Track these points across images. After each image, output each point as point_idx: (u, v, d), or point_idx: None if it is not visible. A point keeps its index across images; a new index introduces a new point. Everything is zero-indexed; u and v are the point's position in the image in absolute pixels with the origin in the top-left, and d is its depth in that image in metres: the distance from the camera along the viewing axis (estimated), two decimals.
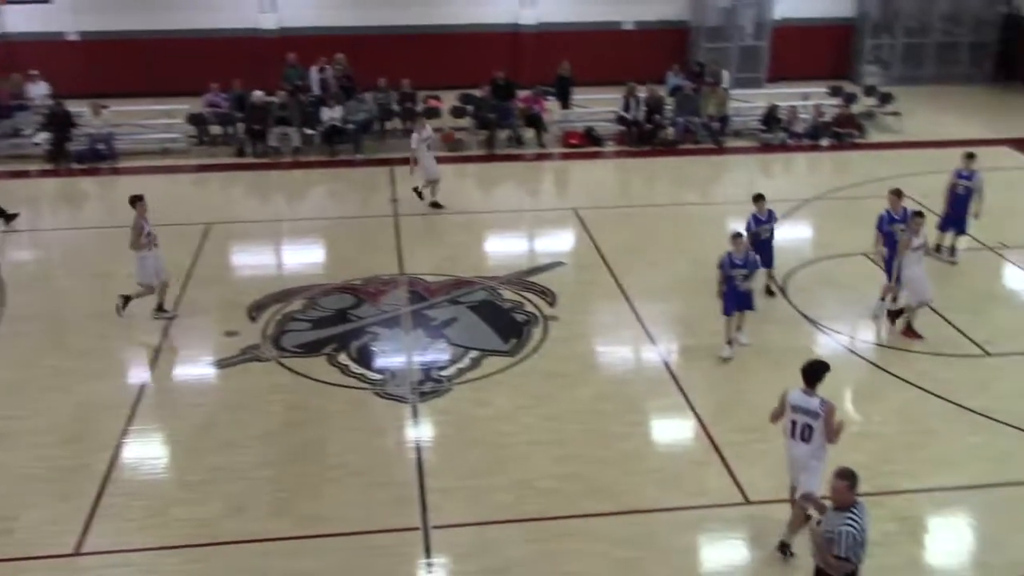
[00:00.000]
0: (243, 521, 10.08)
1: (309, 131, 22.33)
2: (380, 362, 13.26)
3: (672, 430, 11.89)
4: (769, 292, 15.09)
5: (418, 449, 11.34)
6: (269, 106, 22.21)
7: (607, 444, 11.40)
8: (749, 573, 9.47)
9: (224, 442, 11.42)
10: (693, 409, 12.11)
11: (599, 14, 27.09)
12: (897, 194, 14.37)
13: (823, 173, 21.76)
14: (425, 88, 24.19)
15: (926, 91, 27.55)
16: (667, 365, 13.22)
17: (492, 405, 12.22)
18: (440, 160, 20.24)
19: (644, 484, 10.69)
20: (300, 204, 20.03)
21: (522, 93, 23.32)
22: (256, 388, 12.60)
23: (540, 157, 22.51)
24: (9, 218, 17.94)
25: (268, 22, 26.32)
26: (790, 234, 17.73)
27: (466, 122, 23.15)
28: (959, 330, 13.80)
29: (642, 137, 22.93)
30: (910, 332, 13.76)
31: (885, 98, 25.09)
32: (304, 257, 17.03)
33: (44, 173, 21.27)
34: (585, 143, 23.05)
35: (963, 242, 16.82)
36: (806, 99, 24.47)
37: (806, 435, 9.12)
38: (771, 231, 14.85)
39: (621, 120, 23.12)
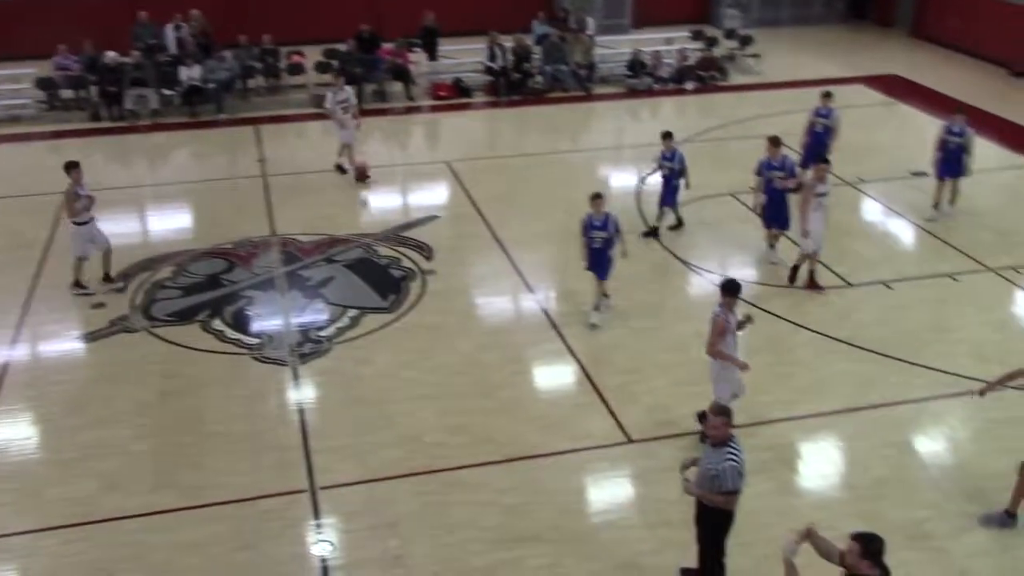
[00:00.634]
0: (122, 497, 9.81)
1: (167, 92, 21.55)
2: (256, 326, 13.01)
3: (554, 376, 12.05)
4: (654, 231, 15.53)
5: (301, 411, 11.21)
6: (123, 67, 21.28)
7: (491, 394, 11.49)
8: (635, 509, 9.73)
9: (97, 418, 11.05)
10: (573, 354, 12.30)
11: None
12: (774, 142, 14.33)
13: (689, 116, 22.21)
14: (287, 44, 23.57)
15: (784, 32, 28.38)
16: (546, 313, 13.36)
17: (374, 363, 12.16)
18: (306, 117, 19.87)
19: (529, 431, 10.84)
20: (163, 168, 19.36)
21: (387, 46, 22.98)
22: (127, 360, 12.21)
23: (409, 110, 22.29)
24: None
25: None
26: (659, 178, 18.06)
27: (331, 77, 22.65)
28: (822, 263, 14.35)
29: (511, 87, 22.92)
30: (813, 284, 13.74)
31: (745, 40, 25.71)
32: (170, 223, 16.49)
33: None
34: (454, 95, 22.93)
35: None
36: (670, 44, 24.85)
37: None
38: (672, 169, 15.24)
39: (489, 70, 23.03)
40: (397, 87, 22.67)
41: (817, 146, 16.79)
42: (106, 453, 10.43)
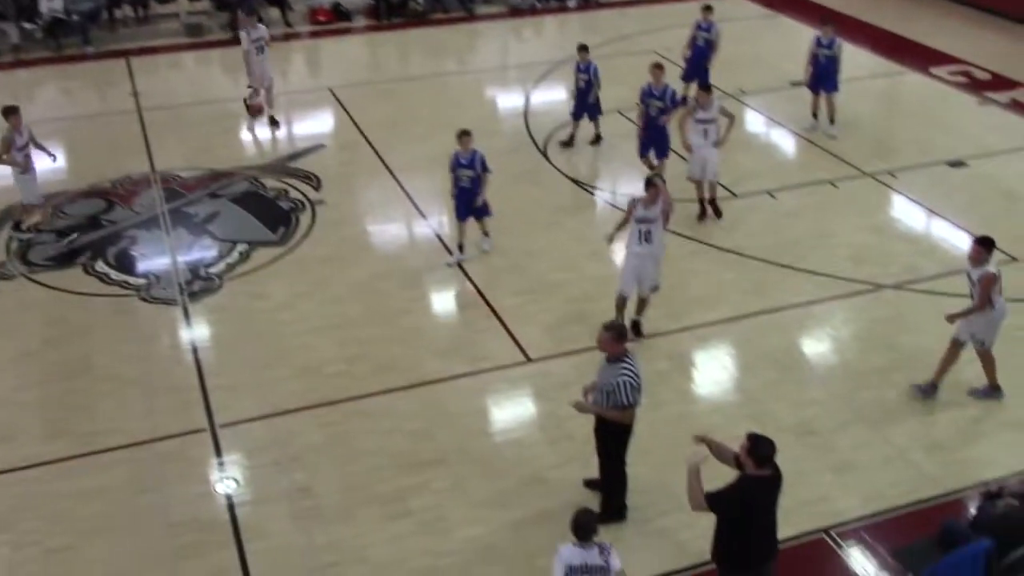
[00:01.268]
0: (12, 448, 9.53)
1: (28, 25, 20.39)
2: (142, 266, 12.63)
3: (451, 300, 12.08)
4: (569, 143, 15.84)
5: (195, 350, 11.00)
6: None
7: (389, 322, 11.46)
8: (536, 427, 9.90)
9: None
10: (469, 278, 12.32)
11: None
12: (658, 68, 14.14)
13: (572, 34, 22.05)
14: None
15: None
16: (440, 238, 13.32)
17: (268, 296, 11.97)
18: (179, 48, 19.08)
19: (429, 356, 10.87)
20: (28, 106, 18.20)
21: None
22: (5, 308, 11.75)
23: (288, 37, 21.60)
24: None
25: None
26: (546, 96, 18.07)
27: (205, 5, 21.82)
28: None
29: (392, 9, 22.43)
30: (713, 207, 13.61)
31: None
32: (42, 163, 15.72)
33: None
34: (334, 19, 22.33)
35: None
36: None
37: (649, 238, 10.73)
38: (587, 81, 15.35)
39: None
40: (274, 13, 21.92)
41: (699, 59, 16.97)
42: None
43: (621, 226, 11.00)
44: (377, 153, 15.65)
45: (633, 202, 10.91)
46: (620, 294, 10.93)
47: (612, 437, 8.28)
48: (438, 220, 13.80)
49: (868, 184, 14.77)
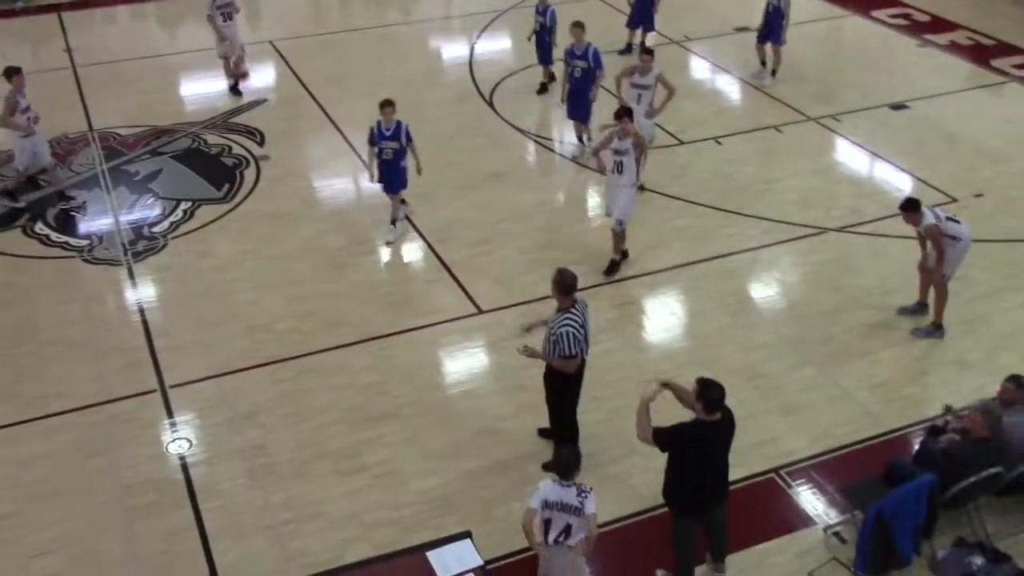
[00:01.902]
0: None
1: None
2: (84, 227, 12.38)
3: (400, 254, 12.00)
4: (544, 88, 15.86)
5: (141, 311, 10.84)
6: None
7: (338, 277, 11.38)
8: (490, 378, 9.94)
9: None
10: (418, 231, 12.26)
11: None
12: (577, 26, 13.54)
13: None
14: None
15: None
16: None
17: (214, 255, 11.82)
18: (112, 2, 18.52)
19: (380, 310, 10.83)
20: None
21: None
22: None
23: None
24: None
25: None
26: (491, 46, 17.91)
27: None
28: (656, 123, 14.63)
29: None
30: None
31: None
32: None
33: None
34: None
35: (651, 38, 17.64)
36: None
37: (620, 169, 10.97)
38: (542, 24, 15.30)
39: None
40: None
41: (645, 6, 16.92)
42: None
43: (599, 149, 11.52)
44: (321, 107, 15.43)
45: (610, 133, 11.27)
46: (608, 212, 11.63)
47: (561, 385, 8.33)
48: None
49: (812, 128, 14.89)
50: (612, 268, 11.38)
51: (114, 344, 10.32)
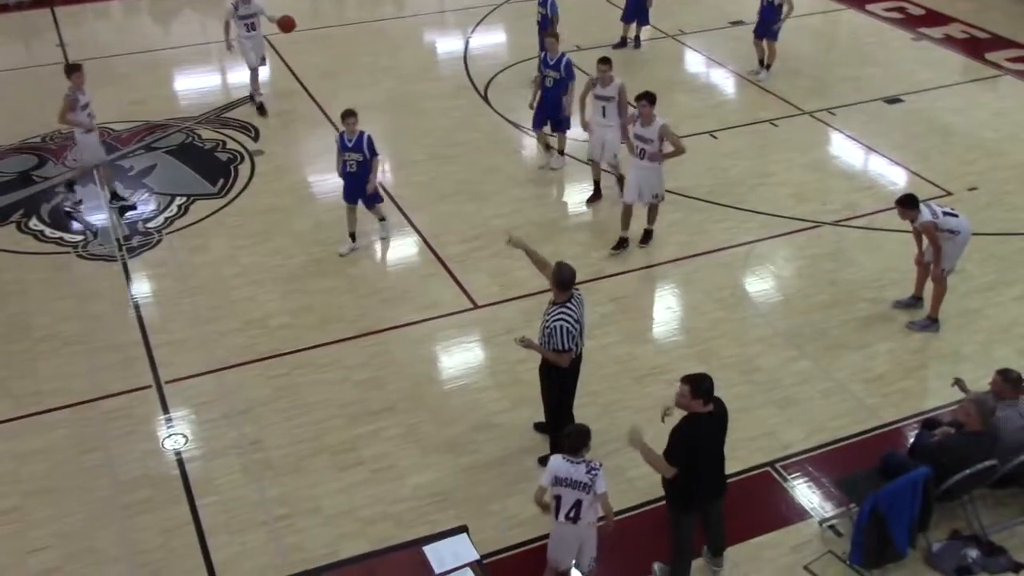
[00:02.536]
0: None
1: None
2: (78, 222, 12.35)
3: (397, 249, 11.99)
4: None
5: (136, 306, 10.83)
6: None
7: (334, 272, 11.37)
8: (486, 372, 9.93)
9: None
10: (413, 226, 12.25)
11: None
12: (552, 36, 13.12)
13: None
14: None
15: None
16: (382, 185, 13.16)
17: (209, 250, 11.80)
18: None
19: (376, 305, 10.83)
20: None
21: None
22: None
23: None
24: None
25: None
26: (486, 40, 17.89)
27: None
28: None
29: None
30: (596, 195, 12.83)
31: None
32: None
33: None
34: None
35: (646, 32, 17.65)
36: None
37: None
38: (544, 15, 15.39)
39: None
40: None
41: (639, 0, 16.90)
42: None
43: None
44: (315, 101, 15.40)
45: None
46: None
47: (556, 379, 8.33)
48: (381, 169, 13.62)
49: (807, 122, 14.90)
50: (646, 237, 11.83)
51: (109, 340, 10.30)
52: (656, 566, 7.63)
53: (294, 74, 16.39)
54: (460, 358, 10.17)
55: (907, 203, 9.89)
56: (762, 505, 8.38)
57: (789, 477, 8.63)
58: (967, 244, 10.18)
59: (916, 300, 10.66)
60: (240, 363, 9.97)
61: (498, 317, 10.56)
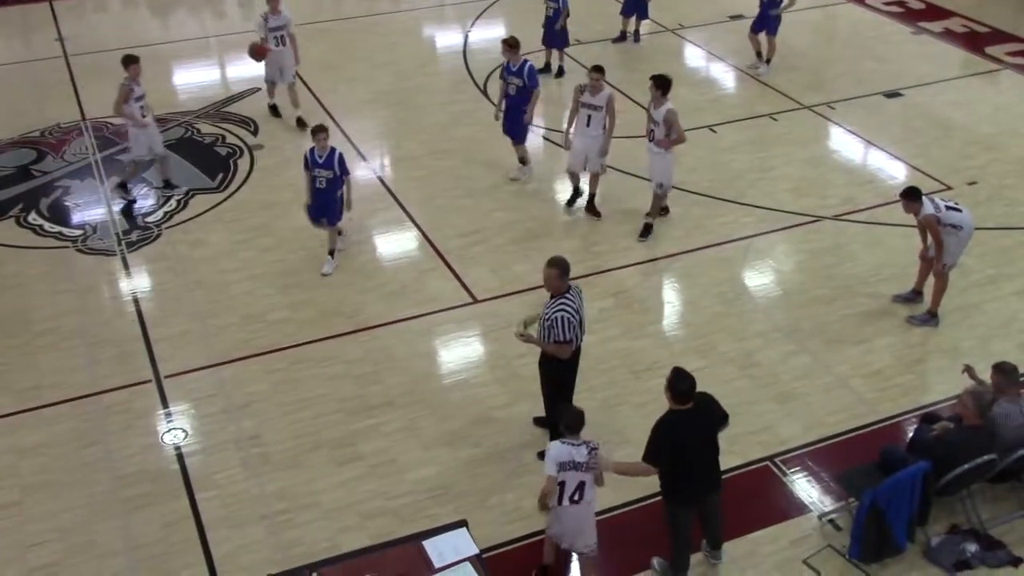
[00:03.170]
0: None
1: None
2: (77, 216, 12.35)
3: (396, 243, 11.99)
4: (553, 70, 15.91)
5: (136, 301, 10.82)
6: None
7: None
8: (485, 367, 9.94)
9: None
10: (413, 220, 12.24)
11: None
12: (508, 43, 12.49)
13: None
14: None
15: None
16: (381, 180, 13.20)
17: (208, 244, 11.79)
18: None
19: (375, 300, 10.83)
20: None
21: None
22: None
23: None
24: None
25: None
26: (485, 34, 17.86)
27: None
28: (646, 109, 14.59)
29: None
30: (591, 206, 12.33)
31: None
32: None
33: None
34: None
35: (646, 26, 17.63)
36: None
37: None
38: (556, 10, 15.42)
39: None
40: None
41: None
42: None
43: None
44: (315, 95, 15.37)
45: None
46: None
47: (556, 373, 8.32)
48: (380, 163, 13.67)
49: (806, 117, 14.89)
50: (645, 231, 11.85)
51: (108, 334, 10.30)
52: (655, 560, 7.64)
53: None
54: (459, 353, 10.17)
55: (910, 196, 9.88)
56: (761, 499, 8.39)
57: (788, 472, 8.64)
58: (971, 239, 10.17)
59: (916, 294, 10.66)
60: (239, 358, 9.97)
61: (497, 311, 10.56)
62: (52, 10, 18.93)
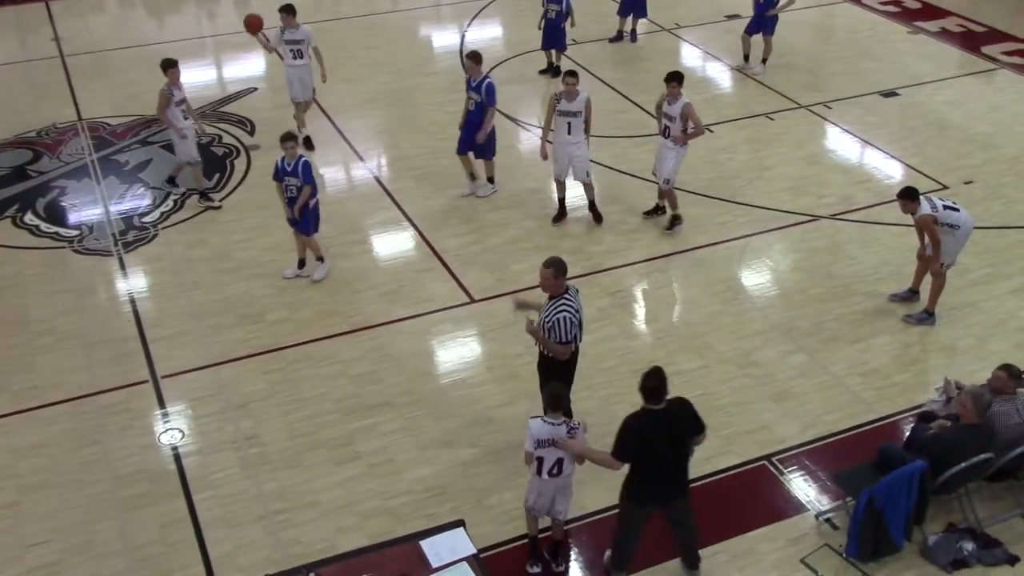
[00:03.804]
0: None
1: None
2: (74, 217, 12.33)
3: (393, 243, 11.98)
4: (553, 69, 15.98)
5: (133, 301, 10.81)
6: None
7: (331, 266, 11.35)
8: (483, 367, 9.94)
9: None
10: (410, 220, 12.24)
11: None
12: (471, 58, 12.18)
13: None
14: None
15: None
16: (378, 180, 13.20)
17: (206, 244, 11.78)
18: None
19: (372, 299, 10.82)
20: None
21: None
22: None
23: None
24: None
25: None
26: (482, 34, 17.87)
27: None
28: (644, 109, 14.63)
29: None
30: (593, 211, 12.21)
31: None
32: None
33: None
34: None
35: (642, 26, 17.63)
36: None
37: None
38: (559, 12, 15.46)
39: None
40: None
41: None
42: None
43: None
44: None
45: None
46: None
47: (554, 372, 8.32)
48: (376, 163, 13.67)
49: (803, 116, 14.90)
50: (673, 222, 11.98)
51: (105, 335, 10.29)
52: (607, 554, 7.63)
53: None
54: (457, 352, 10.17)
55: (908, 195, 9.88)
56: (759, 499, 8.40)
57: (786, 471, 8.65)
58: (968, 238, 10.18)
59: (913, 293, 10.68)
60: (237, 358, 9.96)
61: (495, 311, 10.56)
62: (48, 10, 18.91)
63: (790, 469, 8.66)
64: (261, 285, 11.03)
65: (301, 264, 11.14)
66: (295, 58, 13.41)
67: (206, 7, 19.79)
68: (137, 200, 12.63)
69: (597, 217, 12.15)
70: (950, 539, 7.84)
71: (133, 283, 11.14)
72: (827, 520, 8.14)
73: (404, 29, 18.25)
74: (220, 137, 14.14)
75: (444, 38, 17.95)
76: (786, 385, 9.61)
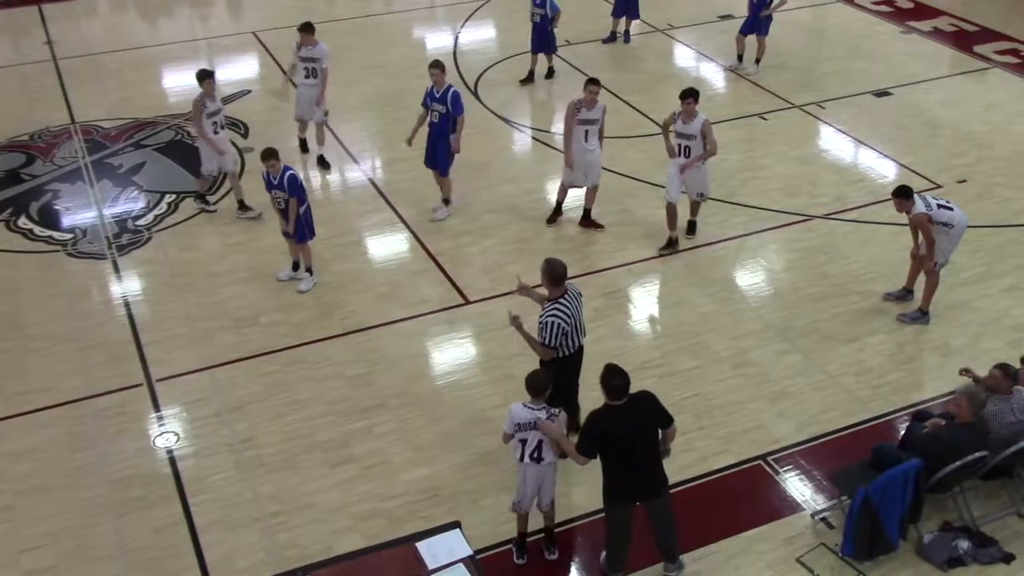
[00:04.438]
0: None
1: None
2: (67, 220, 12.31)
3: (387, 245, 11.98)
4: (528, 79, 15.81)
5: (127, 304, 10.79)
6: None
7: (325, 268, 11.34)
8: (478, 368, 9.93)
9: None
10: (404, 222, 12.24)
11: None
12: (435, 67, 11.69)
13: None
14: None
15: None
16: (373, 182, 13.19)
17: (200, 247, 11.77)
18: None
19: (367, 301, 10.81)
20: None
21: None
22: None
23: None
24: None
25: None
26: (475, 36, 17.88)
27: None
28: (637, 110, 14.64)
29: None
30: (587, 218, 12.18)
31: None
32: None
33: None
34: None
35: (636, 26, 17.65)
36: None
37: (688, 153, 11.27)
38: (543, 15, 15.34)
39: None
40: None
41: None
42: None
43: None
44: None
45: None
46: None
47: (559, 372, 8.28)
48: (371, 165, 13.66)
49: (797, 116, 14.92)
50: (691, 229, 11.96)
51: (100, 338, 10.27)
52: (602, 555, 7.64)
53: (283, 71, 16.30)
54: (452, 354, 10.17)
55: (902, 194, 9.90)
56: (754, 498, 8.40)
57: (781, 470, 8.65)
58: (963, 237, 10.19)
59: (907, 292, 10.70)
60: (231, 360, 9.95)
61: (490, 312, 10.56)
62: (41, 13, 18.88)
63: (786, 468, 8.66)
64: (255, 288, 11.01)
65: (295, 267, 11.14)
66: (307, 76, 13.08)
67: (199, 10, 19.76)
68: (131, 203, 12.61)
69: (592, 224, 12.09)
70: (945, 538, 7.85)
71: (127, 286, 11.12)
72: (823, 519, 8.14)
73: (397, 31, 18.25)
74: None
75: (437, 40, 17.94)
76: (781, 385, 9.62)
